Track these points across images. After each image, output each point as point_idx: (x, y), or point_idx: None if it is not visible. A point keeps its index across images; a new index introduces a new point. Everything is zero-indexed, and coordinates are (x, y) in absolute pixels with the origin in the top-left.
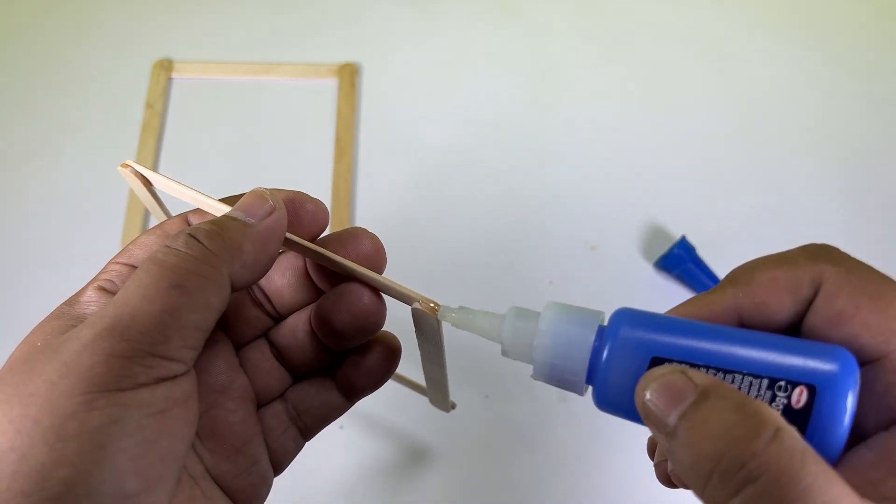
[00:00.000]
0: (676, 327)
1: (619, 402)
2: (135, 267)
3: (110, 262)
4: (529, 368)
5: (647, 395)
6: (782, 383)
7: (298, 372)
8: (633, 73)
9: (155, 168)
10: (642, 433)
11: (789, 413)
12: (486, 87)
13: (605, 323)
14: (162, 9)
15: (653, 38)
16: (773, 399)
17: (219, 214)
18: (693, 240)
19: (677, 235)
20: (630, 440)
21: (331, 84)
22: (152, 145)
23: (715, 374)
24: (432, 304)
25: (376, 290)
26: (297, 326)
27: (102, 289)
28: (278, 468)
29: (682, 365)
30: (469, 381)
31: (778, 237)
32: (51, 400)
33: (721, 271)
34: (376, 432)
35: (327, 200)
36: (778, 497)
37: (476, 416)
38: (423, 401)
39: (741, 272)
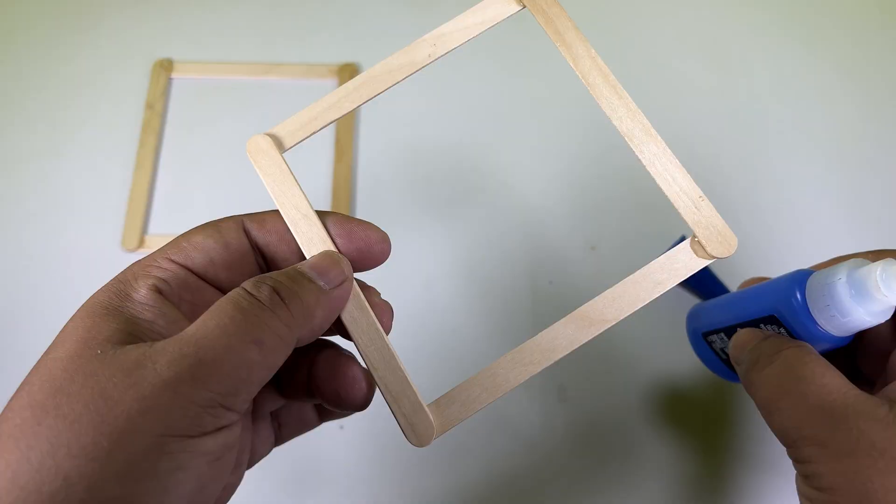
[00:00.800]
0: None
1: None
2: (190, 270)
3: (162, 257)
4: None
5: (735, 339)
6: (765, 319)
7: (284, 391)
8: (633, 72)
9: (155, 168)
10: (643, 433)
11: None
12: (485, 86)
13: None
14: (162, 9)
15: (652, 38)
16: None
17: (297, 232)
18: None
19: (677, 235)
20: (631, 439)
21: (331, 84)
22: (152, 145)
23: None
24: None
25: (367, 373)
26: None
27: (158, 290)
28: (250, 465)
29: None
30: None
31: (778, 237)
32: (128, 434)
33: (721, 271)
34: (376, 432)
35: (327, 200)
36: (789, 367)
37: (477, 416)
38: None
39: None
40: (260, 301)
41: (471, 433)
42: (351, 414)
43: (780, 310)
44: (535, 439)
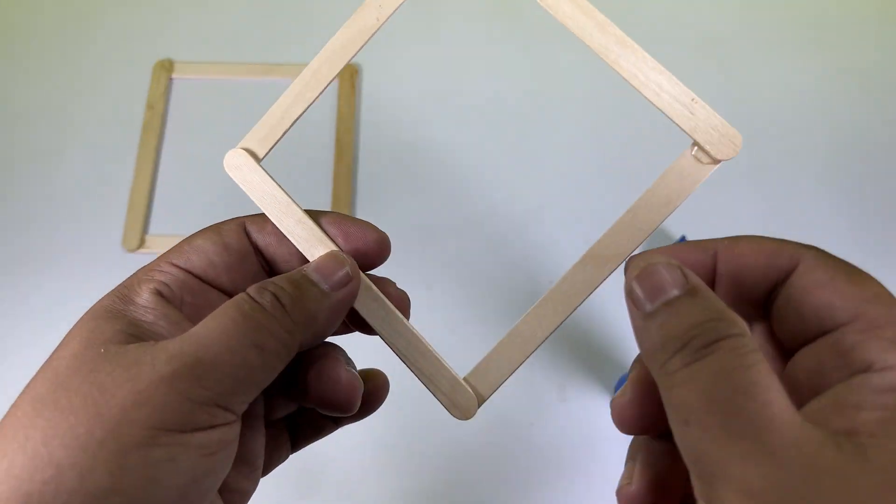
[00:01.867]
0: None
1: None
2: (191, 273)
3: (164, 262)
4: (530, 368)
5: (637, 274)
6: None
7: (291, 394)
8: None
9: (155, 169)
10: None
11: None
12: (485, 86)
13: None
14: (163, 10)
15: (652, 39)
16: None
17: (294, 238)
18: (693, 239)
19: (677, 235)
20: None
21: (331, 84)
22: (153, 146)
23: None
24: None
25: (354, 375)
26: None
27: (160, 294)
28: (266, 472)
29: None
30: None
31: (778, 236)
32: (121, 425)
33: None
34: (376, 432)
35: (327, 200)
36: (725, 372)
37: (477, 416)
38: (423, 401)
39: (741, 235)
40: (262, 306)
41: (472, 432)
42: (361, 418)
43: None
44: (536, 439)
